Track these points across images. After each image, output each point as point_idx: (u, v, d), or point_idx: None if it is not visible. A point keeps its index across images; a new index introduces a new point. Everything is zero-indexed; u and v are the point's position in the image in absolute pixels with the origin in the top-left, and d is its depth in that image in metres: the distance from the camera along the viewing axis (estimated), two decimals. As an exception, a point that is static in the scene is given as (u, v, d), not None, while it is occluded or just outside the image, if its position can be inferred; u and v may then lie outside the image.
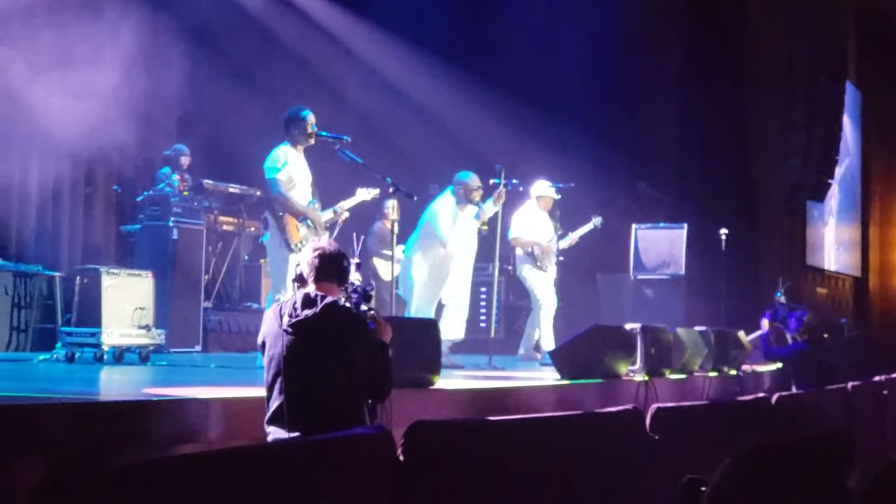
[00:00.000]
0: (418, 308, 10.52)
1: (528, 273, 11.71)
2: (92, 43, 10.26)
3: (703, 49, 17.10)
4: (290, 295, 5.59)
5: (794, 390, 10.78)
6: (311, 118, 9.06)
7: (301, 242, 8.83)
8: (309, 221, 9.01)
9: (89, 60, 10.13)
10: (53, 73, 9.73)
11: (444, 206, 10.74)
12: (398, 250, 12.53)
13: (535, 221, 11.76)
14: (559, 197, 11.81)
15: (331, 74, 14.69)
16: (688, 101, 17.11)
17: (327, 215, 9.28)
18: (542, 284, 11.63)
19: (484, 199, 10.83)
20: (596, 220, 12.46)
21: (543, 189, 11.79)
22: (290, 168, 8.99)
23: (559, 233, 11.89)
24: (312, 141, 9.10)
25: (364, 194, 9.76)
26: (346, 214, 9.74)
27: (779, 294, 12.68)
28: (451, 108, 15.02)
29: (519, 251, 11.81)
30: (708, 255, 14.39)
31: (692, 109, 17.02)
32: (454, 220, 10.70)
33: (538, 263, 11.62)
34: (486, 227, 10.92)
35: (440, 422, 5.72)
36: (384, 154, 12.82)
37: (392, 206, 12.55)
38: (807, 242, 19.71)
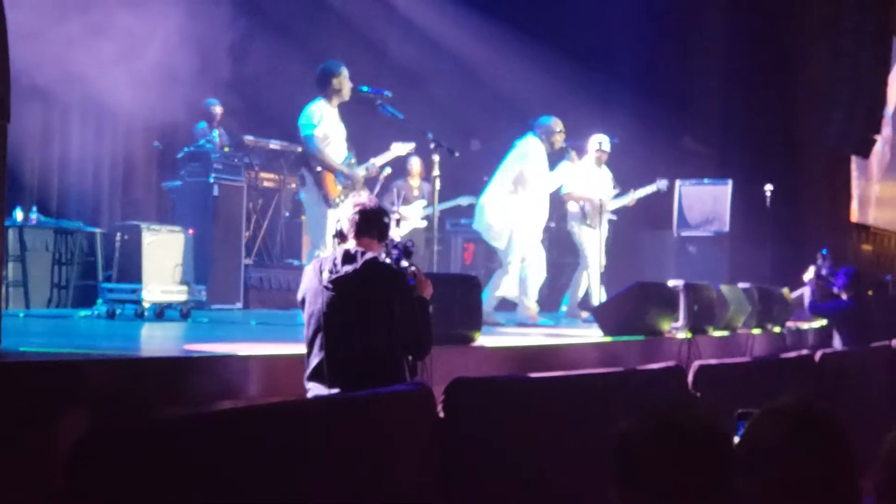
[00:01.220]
0: (519, 255, 10.35)
1: (577, 229, 11.59)
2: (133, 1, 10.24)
3: (750, 2, 16.89)
4: (330, 251, 5.56)
5: (835, 346, 10.69)
6: (345, 74, 9.02)
7: (339, 197, 8.80)
8: (345, 178, 8.99)
9: (131, 19, 10.12)
10: (94, 32, 9.72)
11: (533, 147, 10.53)
12: (415, 206, 12.46)
13: (589, 177, 11.58)
14: (608, 150, 11.72)
15: (371, 29, 14.62)
16: (733, 55, 16.91)
17: (361, 172, 9.22)
18: (591, 241, 11.46)
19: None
20: (660, 183, 12.31)
21: (602, 143, 11.68)
22: (326, 124, 8.97)
23: (617, 190, 11.76)
24: (347, 97, 9.07)
25: (399, 149, 9.63)
26: (388, 170, 9.69)
27: (824, 251, 12.58)
28: (493, 63, 14.92)
29: (572, 206, 11.63)
30: (752, 211, 14.28)
31: (737, 63, 16.84)
32: (545, 162, 10.59)
33: (587, 220, 11.45)
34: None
35: (480, 378, 5.72)
36: (425, 109, 12.72)
37: (415, 163, 12.50)
38: (852, 198, 19.52)
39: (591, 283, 11.36)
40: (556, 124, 10.64)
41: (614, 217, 11.80)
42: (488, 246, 11.39)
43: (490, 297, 10.15)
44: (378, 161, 9.42)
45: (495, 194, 10.55)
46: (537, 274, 10.50)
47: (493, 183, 10.66)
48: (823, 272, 12.17)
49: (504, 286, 10.38)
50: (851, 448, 2.89)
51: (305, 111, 9.01)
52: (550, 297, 13.32)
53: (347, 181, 8.98)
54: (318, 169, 8.92)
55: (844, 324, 11.27)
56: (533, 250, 10.47)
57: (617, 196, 11.79)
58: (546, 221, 10.88)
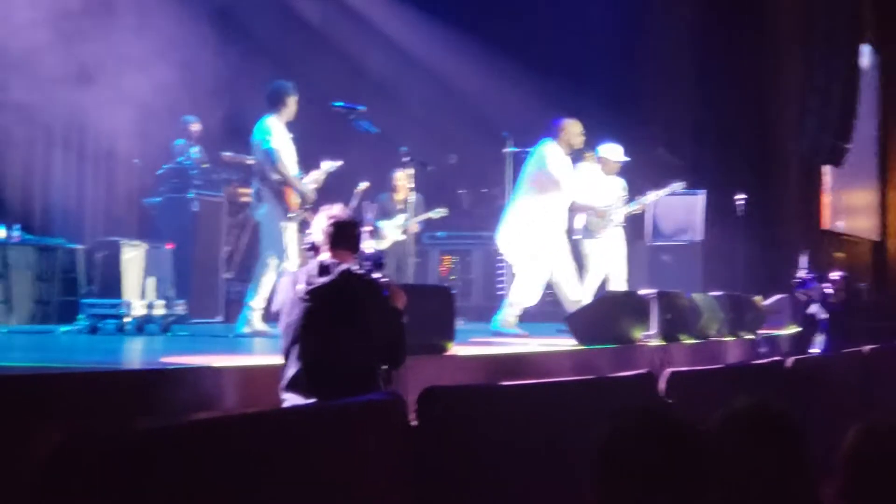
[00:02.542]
0: (537, 264, 10.21)
1: (581, 239, 11.26)
2: (113, 18, 10.32)
3: (723, 12, 16.99)
4: (295, 263, 5.68)
5: (810, 352, 10.78)
6: (296, 96, 9.26)
7: (298, 210, 9.00)
8: (299, 193, 9.16)
9: (112, 37, 10.19)
10: (75, 49, 9.80)
11: (553, 151, 10.28)
12: (396, 220, 12.42)
13: (594, 185, 11.20)
14: (627, 159, 11.56)
15: (349, 45, 14.71)
16: (706, 65, 16.98)
17: (311, 187, 9.38)
18: (593, 252, 11.16)
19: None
20: (676, 185, 12.04)
21: (611, 152, 11.48)
22: (280, 139, 9.15)
23: (625, 197, 11.56)
24: (293, 117, 9.29)
25: (327, 166, 9.67)
26: (365, 184, 9.74)
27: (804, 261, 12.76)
28: (470, 77, 14.98)
29: (578, 218, 11.25)
30: (725, 220, 14.34)
31: (710, 74, 16.91)
32: (568, 163, 10.37)
33: (589, 229, 11.15)
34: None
35: (452, 387, 5.75)
36: (402, 123, 12.78)
37: (400, 177, 12.52)
38: (824, 207, 19.64)
39: (586, 292, 10.91)
40: (575, 125, 10.45)
41: (624, 224, 11.57)
42: (464, 258, 11.40)
43: (508, 314, 10.18)
44: (312, 177, 9.52)
45: (525, 207, 10.32)
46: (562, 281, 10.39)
47: (518, 196, 10.44)
48: (808, 279, 12.31)
49: (526, 296, 10.28)
50: (808, 449, 2.96)
51: (262, 126, 9.18)
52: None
53: (300, 196, 9.15)
54: (278, 182, 9.07)
55: (836, 328, 11.41)
56: (557, 259, 10.34)
57: (627, 203, 11.54)
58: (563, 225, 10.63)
